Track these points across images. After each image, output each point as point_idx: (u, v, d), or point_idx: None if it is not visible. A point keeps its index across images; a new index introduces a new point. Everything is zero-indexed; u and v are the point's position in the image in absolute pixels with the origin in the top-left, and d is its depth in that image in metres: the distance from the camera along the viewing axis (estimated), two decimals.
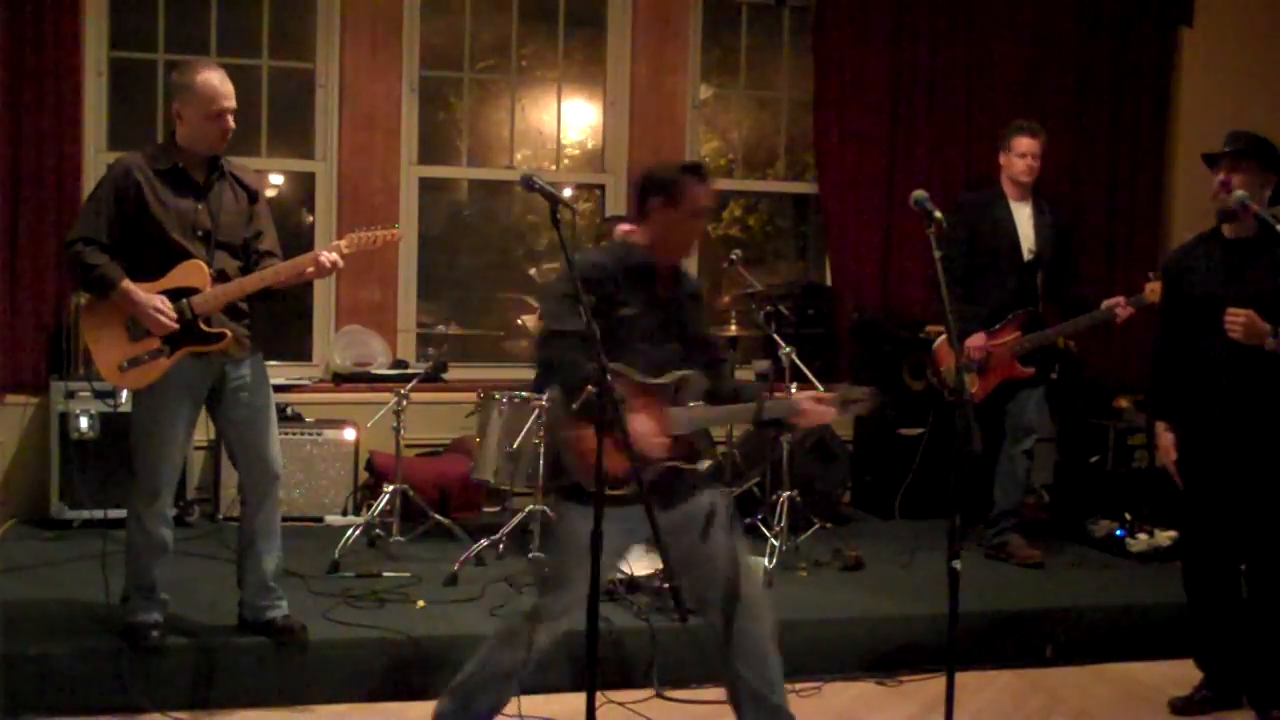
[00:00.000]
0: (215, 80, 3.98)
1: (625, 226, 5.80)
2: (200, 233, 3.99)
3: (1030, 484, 5.83)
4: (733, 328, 5.58)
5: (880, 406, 3.53)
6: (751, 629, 3.39)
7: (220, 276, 4.01)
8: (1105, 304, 5.35)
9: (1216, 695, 4.25)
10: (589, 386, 3.09)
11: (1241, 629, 4.21)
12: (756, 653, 3.40)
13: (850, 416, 3.47)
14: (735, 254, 5.76)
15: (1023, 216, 5.61)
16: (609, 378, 3.03)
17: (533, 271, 7.30)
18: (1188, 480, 4.19)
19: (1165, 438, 4.23)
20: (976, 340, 5.46)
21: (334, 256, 4.03)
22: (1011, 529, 5.61)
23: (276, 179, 6.61)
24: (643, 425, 3.23)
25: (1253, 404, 4.01)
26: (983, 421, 5.67)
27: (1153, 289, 5.24)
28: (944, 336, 5.73)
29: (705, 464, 3.42)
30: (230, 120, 4.00)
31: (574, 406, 3.17)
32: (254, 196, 4.16)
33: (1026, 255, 5.58)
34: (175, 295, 3.94)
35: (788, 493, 5.36)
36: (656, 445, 3.25)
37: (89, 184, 5.89)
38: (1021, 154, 5.54)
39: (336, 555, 4.98)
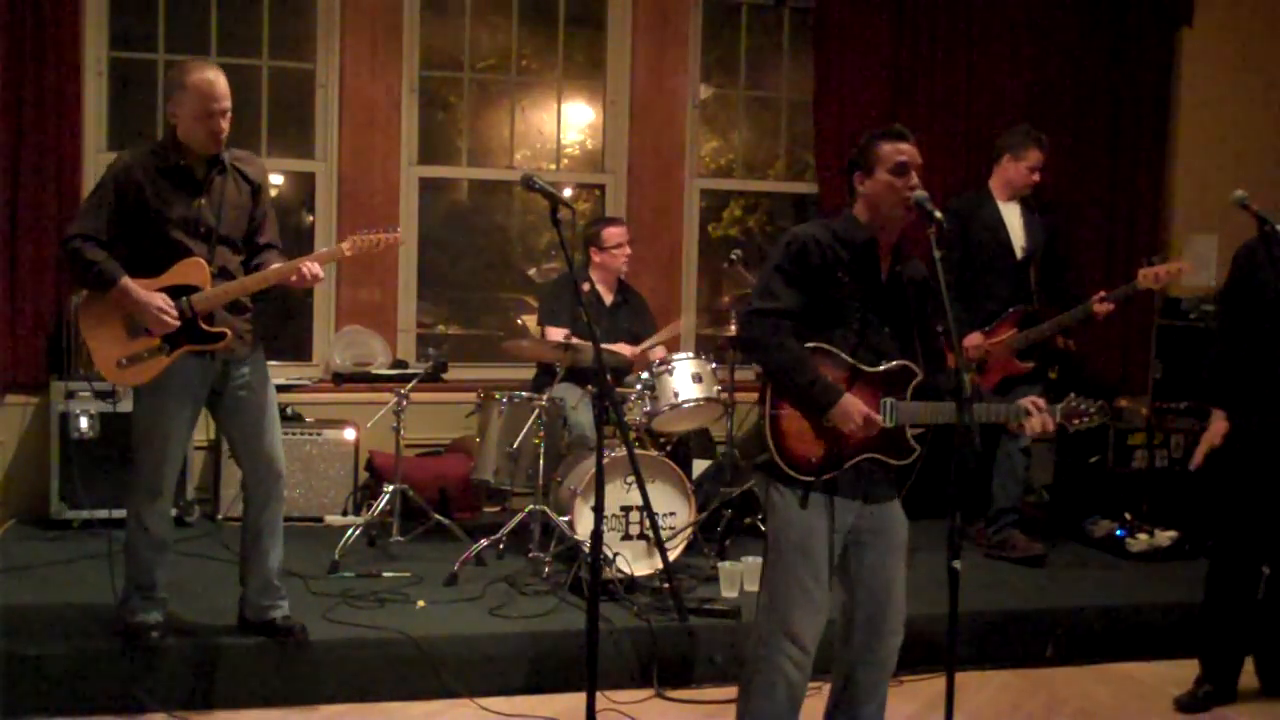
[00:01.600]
0: (210, 79, 3.92)
1: (615, 230, 5.79)
2: (203, 229, 3.98)
3: (1029, 482, 5.82)
4: (733, 328, 5.56)
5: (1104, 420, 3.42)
6: (876, 679, 3.40)
7: (222, 273, 4.00)
8: (1094, 298, 5.37)
9: (1217, 690, 4.27)
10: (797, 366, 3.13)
11: (1252, 628, 4.22)
12: (869, 700, 3.40)
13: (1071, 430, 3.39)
14: (735, 254, 5.77)
15: (1012, 216, 5.66)
16: (815, 357, 3.14)
17: (533, 271, 7.30)
18: (1239, 479, 4.14)
19: (1219, 424, 4.17)
20: (973, 339, 5.47)
21: (315, 269, 4.00)
22: (1011, 525, 5.62)
23: (276, 179, 6.60)
24: (854, 405, 3.15)
25: None
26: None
27: (1145, 275, 5.23)
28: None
29: (912, 459, 3.30)
30: (222, 122, 3.95)
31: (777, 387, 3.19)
32: (257, 188, 4.13)
33: (1019, 254, 5.62)
34: (175, 293, 3.92)
35: None
36: (861, 425, 3.15)
37: (89, 183, 5.89)
38: (1032, 167, 5.58)
39: (336, 555, 4.98)
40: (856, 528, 3.30)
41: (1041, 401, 3.33)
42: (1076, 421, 3.39)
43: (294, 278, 4.01)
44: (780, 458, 3.20)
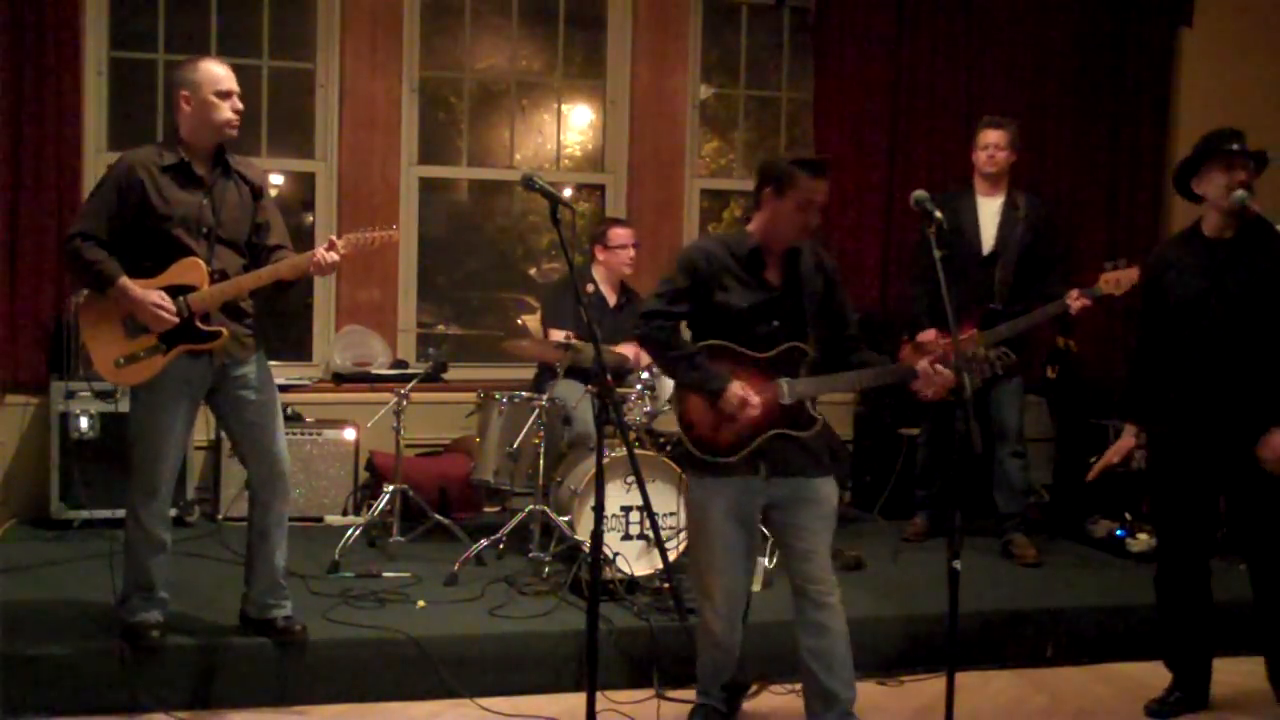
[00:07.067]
0: (220, 67, 4.02)
1: (622, 231, 5.78)
2: (204, 229, 3.99)
3: (1026, 483, 5.78)
4: None
5: (1008, 367, 3.44)
6: (824, 648, 3.67)
7: (221, 275, 4.00)
8: (1068, 296, 5.32)
9: (1187, 696, 4.26)
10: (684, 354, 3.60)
11: (1211, 631, 4.21)
12: (825, 651, 3.66)
13: (973, 380, 3.46)
14: None
15: (988, 212, 5.61)
16: (685, 358, 3.59)
17: (533, 271, 7.30)
18: (1167, 483, 4.16)
19: (1126, 441, 4.26)
20: (927, 336, 5.45)
21: (333, 256, 4.03)
22: (1014, 528, 5.65)
23: (276, 179, 6.60)
24: (739, 391, 3.53)
25: (1234, 404, 3.99)
26: (944, 421, 5.65)
27: (1106, 280, 5.25)
28: (907, 344, 5.65)
29: (815, 429, 3.62)
30: (239, 103, 4.01)
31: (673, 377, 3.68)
32: (258, 192, 4.15)
33: (984, 251, 5.57)
34: (173, 292, 3.93)
35: None
36: (746, 409, 3.52)
37: (89, 183, 5.88)
38: (984, 145, 5.58)
39: (336, 555, 4.98)
40: (775, 498, 3.65)
41: (937, 364, 3.54)
42: (975, 369, 3.48)
43: (310, 268, 4.02)
44: (693, 445, 3.61)
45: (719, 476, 3.62)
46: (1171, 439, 4.13)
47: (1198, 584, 4.20)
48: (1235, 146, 4.04)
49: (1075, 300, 5.28)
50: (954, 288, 5.37)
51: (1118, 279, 5.23)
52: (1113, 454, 4.30)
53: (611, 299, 5.80)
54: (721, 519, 3.63)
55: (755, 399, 3.53)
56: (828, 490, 3.69)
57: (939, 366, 3.50)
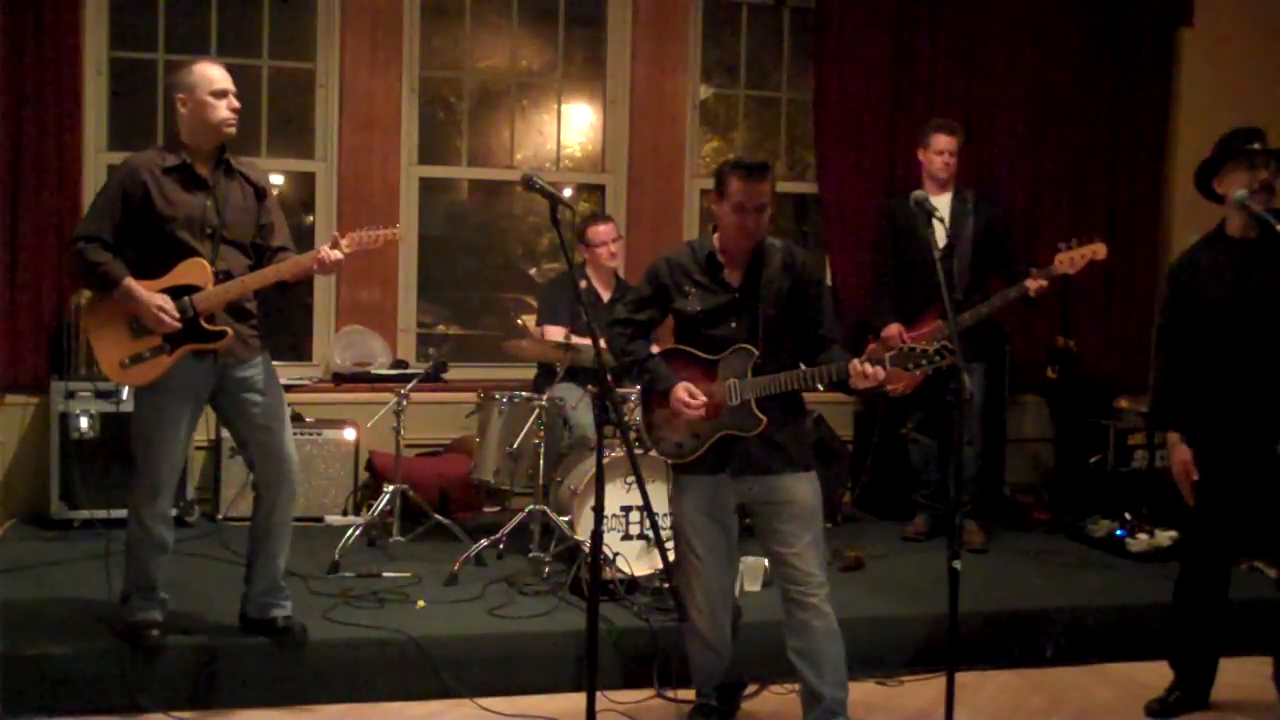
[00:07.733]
0: (214, 68, 4.04)
1: (602, 228, 5.77)
2: (208, 230, 4.00)
3: (976, 471, 5.80)
4: None
5: (944, 367, 3.36)
6: (812, 649, 3.68)
7: (226, 275, 4.01)
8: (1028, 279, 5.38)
9: (1187, 697, 4.25)
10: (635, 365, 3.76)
11: (1222, 634, 4.21)
12: (810, 652, 3.66)
13: (915, 374, 3.42)
14: None
15: (939, 208, 5.62)
16: (647, 361, 3.73)
17: (533, 271, 7.30)
18: (1199, 487, 4.12)
19: (1180, 450, 4.10)
20: (891, 330, 5.56)
21: (336, 254, 4.04)
22: (964, 516, 5.68)
23: (277, 179, 6.60)
24: (680, 393, 3.63)
25: (1264, 404, 3.97)
26: (932, 416, 5.78)
27: (1061, 260, 5.33)
28: (873, 343, 5.68)
29: (758, 429, 3.61)
30: (235, 101, 4.02)
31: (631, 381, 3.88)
32: (261, 193, 4.16)
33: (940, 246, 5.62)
34: (178, 293, 3.94)
35: None
36: (689, 409, 3.60)
37: (89, 184, 5.90)
38: (939, 151, 5.69)
39: (336, 555, 4.98)
40: (749, 499, 3.71)
41: (866, 364, 3.46)
42: (912, 366, 3.40)
43: (314, 267, 4.03)
44: (656, 447, 3.79)
45: (689, 474, 3.73)
46: (1205, 442, 4.09)
47: (1217, 588, 4.18)
48: (1257, 146, 4.03)
49: (1033, 281, 5.35)
50: (916, 284, 5.57)
51: (1072, 258, 5.31)
52: (1185, 470, 4.11)
53: (605, 295, 5.80)
54: (694, 515, 3.73)
55: (697, 399, 3.61)
56: (803, 489, 3.67)
57: (868, 365, 3.44)
